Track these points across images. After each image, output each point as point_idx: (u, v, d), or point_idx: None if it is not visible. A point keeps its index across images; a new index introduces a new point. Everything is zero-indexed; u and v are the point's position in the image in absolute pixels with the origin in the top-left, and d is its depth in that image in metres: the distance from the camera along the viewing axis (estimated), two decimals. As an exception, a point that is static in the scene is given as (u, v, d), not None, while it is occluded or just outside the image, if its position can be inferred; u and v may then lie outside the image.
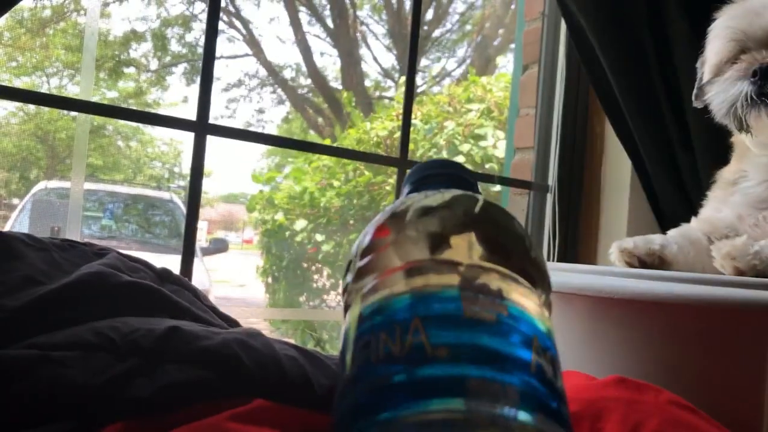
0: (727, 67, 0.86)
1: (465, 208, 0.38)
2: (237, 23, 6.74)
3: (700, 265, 0.85)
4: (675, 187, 1.18)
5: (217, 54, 1.02)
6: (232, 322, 0.73)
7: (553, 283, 0.79)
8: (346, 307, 0.38)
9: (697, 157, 1.13)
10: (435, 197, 0.38)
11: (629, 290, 0.73)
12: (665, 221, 1.20)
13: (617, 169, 1.36)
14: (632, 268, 0.86)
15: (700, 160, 1.12)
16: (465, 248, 0.35)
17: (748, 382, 0.67)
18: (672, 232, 0.92)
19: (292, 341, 0.60)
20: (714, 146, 0.98)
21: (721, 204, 0.91)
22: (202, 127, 0.96)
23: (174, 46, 6.34)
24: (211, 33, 0.98)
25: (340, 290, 0.42)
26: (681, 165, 1.17)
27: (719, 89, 0.85)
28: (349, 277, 0.38)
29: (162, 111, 5.50)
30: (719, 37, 0.88)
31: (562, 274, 0.83)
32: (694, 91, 0.96)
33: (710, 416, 0.62)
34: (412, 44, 1.22)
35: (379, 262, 0.36)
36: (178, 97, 6.48)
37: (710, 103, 0.88)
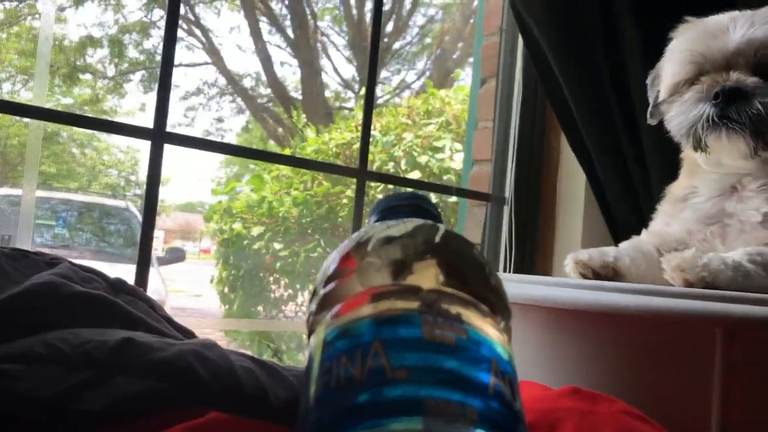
0: (685, 88, 0.87)
1: (426, 236, 0.39)
2: (197, 31, 6.68)
3: (651, 277, 0.87)
4: (628, 200, 1.21)
5: (176, 62, 1.01)
6: (188, 333, 0.72)
7: (509, 294, 0.80)
8: (310, 333, 0.39)
9: (649, 171, 1.16)
10: (398, 227, 0.40)
11: (582, 301, 0.74)
12: (618, 233, 1.23)
13: (572, 181, 1.39)
14: (587, 279, 0.88)
15: (653, 175, 1.15)
16: (426, 274, 0.37)
17: (697, 393, 0.69)
18: (624, 245, 0.94)
19: (248, 353, 0.59)
20: (666, 161, 1.01)
21: (670, 218, 0.93)
22: (159, 136, 0.95)
23: (132, 53, 6.25)
24: (170, 41, 0.97)
25: (305, 317, 0.43)
26: (634, 179, 1.20)
27: (679, 110, 0.86)
28: (314, 306, 0.39)
29: (119, 119, 5.41)
30: (676, 58, 0.89)
31: (517, 285, 0.84)
32: (649, 109, 0.98)
33: (662, 426, 0.63)
34: (371, 55, 1.23)
35: (343, 289, 0.37)
36: (135, 104, 6.38)
37: (669, 122, 0.89)
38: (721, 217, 0.88)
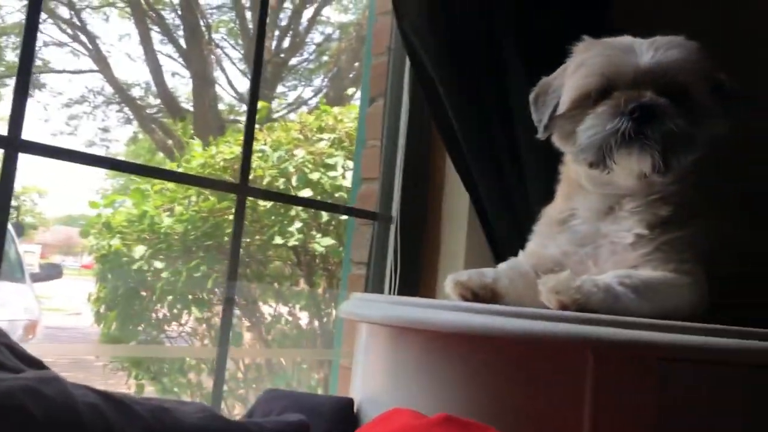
0: (590, 102, 0.87)
1: None
2: (82, 37, 6.37)
3: (529, 298, 0.88)
4: (509, 220, 1.23)
5: (59, 68, 0.93)
6: (33, 363, 0.65)
7: (385, 317, 0.78)
8: None
9: (529, 192, 1.18)
10: None
11: (455, 324, 0.73)
12: (500, 253, 1.24)
13: (457, 202, 1.40)
14: (467, 301, 0.88)
15: (532, 195, 1.17)
16: None
17: (570, 414, 0.69)
18: (503, 266, 0.95)
19: (96, 388, 0.54)
20: (545, 182, 1.02)
21: (547, 240, 0.94)
22: (13, 144, 0.87)
23: (10, 56, 5.88)
24: (29, 41, 0.89)
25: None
26: (515, 201, 1.22)
27: (593, 122, 0.85)
28: None
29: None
30: (583, 71, 0.89)
31: (391, 306, 0.82)
32: (544, 122, 0.95)
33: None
34: (255, 69, 1.19)
35: None
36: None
37: (579, 134, 0.87)
38: (595, 238, 0.90)
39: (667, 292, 0.83)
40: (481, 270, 0.91)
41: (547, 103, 0.95)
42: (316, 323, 2.86)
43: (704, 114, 0.86)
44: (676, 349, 0.69)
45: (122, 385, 3.08)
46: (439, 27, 1.20)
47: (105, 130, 6.93)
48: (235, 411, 2.82)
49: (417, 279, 1.41)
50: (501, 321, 0.72)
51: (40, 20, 0.92)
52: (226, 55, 7.02)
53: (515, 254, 0.98)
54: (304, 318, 2.95)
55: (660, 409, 0.68)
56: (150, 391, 3.00)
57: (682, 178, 0.88)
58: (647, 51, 0.86)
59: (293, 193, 2.45)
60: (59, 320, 5.18)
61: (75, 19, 6.41)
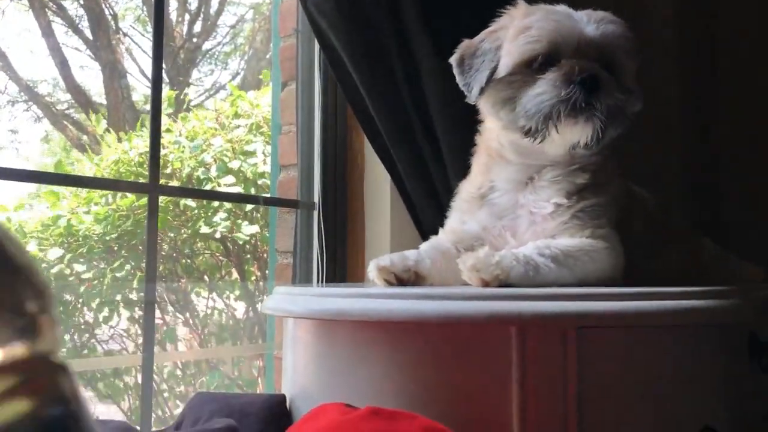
0: (531, 68, 0.86)
1: None
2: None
3: (452, 276, 0.88)
4: (430, 199, 1.23)
5: None
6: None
7: (309, 311, 0.76)
8: None
9: (447, 169, 1.18)
10: None
11: (374, 312, 0.73)
12: (426, 234, 1.24)
13: (378, 184, 1.39)
14: (390, 285, 0.87)
15: (451, 173, 1.17)
16: None
17: (498, 392, 0.70)
18: (424, 246, 0.94)
19: None
20: (462, 159, 1.02)
21: (466, 216, 0.94)
22: None
23: None
24: None
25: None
26: (434, 178, 1.22)
27: (542, 90, 0.84)
28: None
29: None
30: (526, 35, 0.87)
31: (317, 300, 0.81)
32: (480, 84, 0.90)
33: (460, 427, 0.63)
34: (155, 55, 1.14)
35: None
36: None
37: (527, 99, 0.85)
38: (514, 209, 0.90)
39: (585, 259, 0.84)
40: (403, 253, 0.91)
41: (479, 67, 0.91)
42: (251, 314, 2.82)
43: (632, 91, 0.88)
44: (593, 317, 0.70)
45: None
46: (342, 5, 1.18)
47: (13, 131, 6.59)
48: (177, 411, 2.76)
49: (344, 265, 1.40)
50: (421, 305, 0.71)
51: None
52: (136, 43, 6.76)
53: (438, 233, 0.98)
54: (240, 309, 2.90)
55: (582, 376, 0.69)
56: (87, 396, 2.91)
57: (602, 150, 0.90)
58: (589, 23, 0.86)
59: (214, 183, 2.39)
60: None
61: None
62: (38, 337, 0.27)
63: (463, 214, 0.96)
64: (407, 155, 1.23)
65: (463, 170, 1.01)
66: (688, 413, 0.75)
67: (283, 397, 0.90)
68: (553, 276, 0.81)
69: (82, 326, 2.87)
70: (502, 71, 0.88)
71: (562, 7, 0.89)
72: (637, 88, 0.89)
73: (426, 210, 1.24)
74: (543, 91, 0.84)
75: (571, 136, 0.85)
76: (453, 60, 0.94)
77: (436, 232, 0.99)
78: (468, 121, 0.98)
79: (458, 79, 0.93)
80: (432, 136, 1.20)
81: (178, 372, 2.94)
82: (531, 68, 0.86)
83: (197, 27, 6.62)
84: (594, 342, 0.71)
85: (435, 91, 1.17)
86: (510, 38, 0.88)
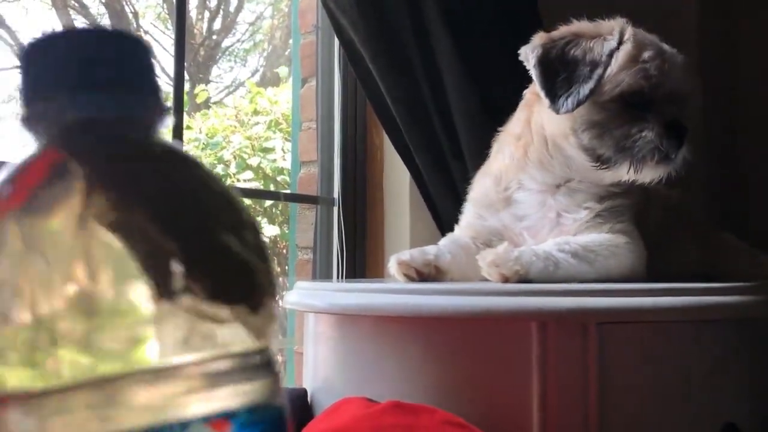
0: (624, 99, 0.84)
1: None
2: (1, 31, 6.09)
3: (473, 271, 0.88)
4: (450, 194, 1.23)
5: None
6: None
7: (330, 305, 0.77)
8: None
9: (467, 166, 1.19)
10: None
11: (396, 307, 0.73)
12: (446, 229, 1.24)
13: (398, 180, 1.39)
14: (411, 280, 0.87)
15: (471, 169, 1.17)
16: None
17: (518, 387, 0.70)
18: (443, 241, 0.95)
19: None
20: (481, 154, 1.02)
21: (484, 211, 0.94)
22: None
23: None
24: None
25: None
26: (454, 173, 1.22)
27: (646, 133, 0.83)
28: None
29: None
30: (640, 69, 0.84)
31: (338, 295, 0.81)
32: (578, 100, 0.83)
33: (484, 428, 0.63)
34: (177, 53, 1.15)
35: None
36: None
37: (612, 131, 0.84)
38: (539, 210, 0.90)
39: (606, 254, 0.84)
40: (423, 248, 0.91)
41: (578, 80, 0.84)
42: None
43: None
44: (614, 313, 0.70)
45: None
46: (362, 0, 1.18)
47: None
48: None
49: (364, 261, 1.40)
50: (441, 300, 0.72)
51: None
52: (157, 41, 6.82)
53: (459, 229, 0.98)
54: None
55: (603, 372, 0.69)
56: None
57: None
58: (681, 68, 0.85)
59: (233, 180, 2.40)
60: None
61: (-8, 13, 6.12)
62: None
63: (480, 209, 0.95)
64: (426, 151, 1.23)
65: (480, 165, 1.01)
66: (711, 410, 0.74)
67: (304, 391, 0.90)
68: (574, 271, 0.81)
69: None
70: (604, 95, 0.84)
71: (665, 46, 0.87)
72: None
73: (445, 205, 1.24)
74: (646, 135, 0.83)
75: (642, 177, 0.85)
76: (534, 56, 0.87)
77: (455, 228, 1.00)
78: (487, 116, 0.98)
79: (538, 80, 0.86)
80: (451, 131, 1.20)
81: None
82: (626, 101, 0.84)
83: (217, 24, 6.66)
84: (615, 338, 0.71)
85: (455, 87, 1.17)
86: (621, 63, 0.84)
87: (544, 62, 0.86)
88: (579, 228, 0.87)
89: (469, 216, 0.97)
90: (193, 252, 0.24)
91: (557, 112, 0.84)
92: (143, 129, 0.28)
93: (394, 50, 1.19)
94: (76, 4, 6.67)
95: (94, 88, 0.26)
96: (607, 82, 0.84)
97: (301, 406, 0.87)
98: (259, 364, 0.26)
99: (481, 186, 0.97)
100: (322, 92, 1.42)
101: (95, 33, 0.28)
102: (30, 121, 0.27)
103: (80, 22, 6.69)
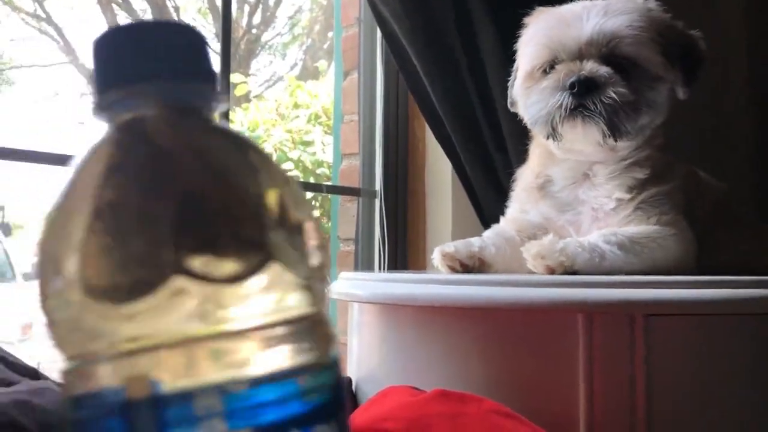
0: (539, 75, 0.88)
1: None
2: (49, 29, 6.23)
3: (517, 263, 0.88)
4: (493, 187, 1.23)
5: (28, 63, 0.91)
6: (28, 372, 0.65)
7: (374, 295, 0.78)
8: None
9: (510, 158, 1.18)
10: None
11: (442, 297, 0.73)
12: (488, 222, 1.24)
13: (440, 172, 1.40)
14: (455, 272, 0.88)
15: (514, 161, 1.16)
16: None
17: (564, 378, 0.70)
18: (487, 233, 0.95)
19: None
20: (524, 147, 1.02)
21: (527, 205, 0.94)
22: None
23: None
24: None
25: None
26: (497, 166, 1.22)
27: (537, 98, 0.86)
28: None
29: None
30: (531, 45, 0.90)
31: (382, 285, 0.82)
32: (509, 98, 0.97)
33: (530, 419, 0.63)
34: (223, 48, 1.17)
35: None
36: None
37: (526, 110, 0.89)
38: (575, 205, 0.90)
39: (653, 245, 0.83)
40: (467, 240, 0.91)
41: (513, 76, 0.96)
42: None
43: (650, 79, 0.85)
44: (661, 305, 0.69)
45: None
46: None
47: (82, 123, 6.83)
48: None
49: (405, 252, 1.41)
50: (487, 291, 0.72)
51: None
52: (197, 36, 6.89)
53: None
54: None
55: (650, 365, 0.69)
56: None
57: (647, 143, 0.89)
58: (593, 18, 0.85)
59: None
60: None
61: (40, 11, 6.27)
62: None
63: (523, 204, 0.95)
64: (469, 142, 1.23)
65: (524, 157, 1.00)
66: (762, 406, 0.73)
67: (349, 380, 0.92)
68: (620, 263, 0.80)
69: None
70: (518, 80, 0.93)
71: (572, 7, 0.88)
72: (667, 71, 0.86)
73: (488, 197, 1.24)
74: (536, 100, 0.87)
75: (575, 137, 0.86)
76: (514, 68, 0.97)
77: (497, 220, 0.99)
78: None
79: None
80: (494, 122, 1.20)
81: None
82: (537, 76, 0.88)
83: (257, 18, 6.72)
84: (663, 331, 0.70)
85: (499, 78, 1.16)
86: (521, 47, 0.93)
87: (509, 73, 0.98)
88: (621, 222, 0.87)
89: (513, 209, 0.97)
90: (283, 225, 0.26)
91: (510, 108, 0.98)
92: (204, 114, 0.30)
93: (437, 41, 1.20)
94: (120, 0, 6.78)
95: (160, 78, 0.28)
96: (519, 69, 0.92)
97: (346, 394, 0.88)
98: (320, 325, 0.28)
99: (524, 180, 0.97)
100: (364, 85, 1.43)
101: (158, 25, 0.30)
102: (102, 108, 0.29)
103: (123, 18, 6.80)
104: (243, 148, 0.29)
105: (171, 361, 0.24)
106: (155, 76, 0.28)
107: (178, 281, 0.24)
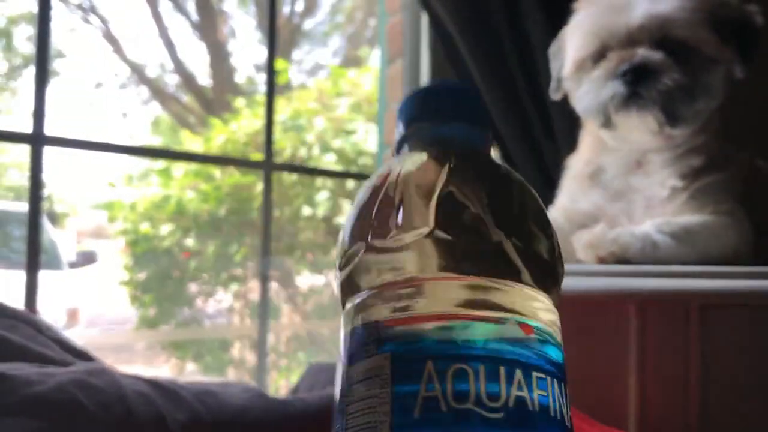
0: (590, 64, 0.86)
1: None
2: (94, 19, 6.34)
3: (566, 252, 0.86)
4: (539, 173, 1.21)
5: (72, 54, 0.93)
6: (82, 355, 0.67)
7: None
8: (343, 304, 0.35)
9: (559, 146, 1.16)
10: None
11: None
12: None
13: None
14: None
15: (563, 148, 1.15)
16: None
17: (616, 368, 0.69)
18: (537, 223, 0.93)
19: (144, 376, 0.55)
20: (574, 135, 1.00)
21: (577, 195, 0.93)
22: (38, 139, 0.87)
23: (25, 46, 5.87)
24: (44, 34, 0.89)
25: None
26: (545, 153, 1.20)
27: (588, 88, 0.84)
28: (341, 272, 0.35)
29: (13, 119, 5.08)
30: (580, 32, 0.88)
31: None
32: (552, 84, 0.95)
33: (578, 408, 0.62)
34: (270, 39, 1.17)
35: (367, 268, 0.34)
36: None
37: (578, 101, 0.87)
38: (628, 193, 0.88)
39: (707, 235, 0.81)
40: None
41: (557, 60, 0.94)
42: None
43: (705, 61, 0.82)
44: (715, 296, 0.67)
45: (165, 365, 3.14)
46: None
47: (125, 114, 6.96)
48: (281, 383, 2.87)
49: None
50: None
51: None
52: (240, 24, 6.96)
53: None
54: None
55: (704, 355, 0.67)
56: (193, 370, 3.07)
57: (703, 129, 0.86)
58: (643, 3, 0.83)
59: (316, 162, 2.44)
60: (99, 305, 5.30)
61: (84, 2, 6.39)
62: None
63: (573, 193, 0.94)
64: (516, 130, 1.21)
65: (574, 144, 0.99)
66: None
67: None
68: (673, 253, 0.78)
69: (191, 300, 3.02)
70: (566, 69, 0.90)
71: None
72: (723, 53, 0.83)
73: (536, 188, 1.22)
74: (587, 90, 0.84)
75: (630, 126, 0.83)
76: (550, 51, 0.97)
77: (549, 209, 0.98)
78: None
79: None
80: (543, 111, 1.18)
81: (281, 347, 3.04)
82: (587, 65, 0.86)
83: (298, 7, 6.74)
84: (718, 322, 0.68)
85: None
86: (568, 35, 0.90)
87: (552, 57, 0.97)
88: (675, 211, 0.84)
89: (563, 199, 0.95)
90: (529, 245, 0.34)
91: (553, 98, 0.97)
92: (482, 150, 0.39)
93: (483, 26, 1.18)
94: (163, -9, 6.84)
95: (449, 121, 0.38)
96: (567, 56, 0.91)
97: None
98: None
99: (574, 168, 0.95)
100: (409, 72, 1.42)
101: (450, 86, 0.42)
102: (407, 137, 0.39)
103: (167, 8, 6.87)
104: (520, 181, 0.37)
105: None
106: (444, 120, 0.38)
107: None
